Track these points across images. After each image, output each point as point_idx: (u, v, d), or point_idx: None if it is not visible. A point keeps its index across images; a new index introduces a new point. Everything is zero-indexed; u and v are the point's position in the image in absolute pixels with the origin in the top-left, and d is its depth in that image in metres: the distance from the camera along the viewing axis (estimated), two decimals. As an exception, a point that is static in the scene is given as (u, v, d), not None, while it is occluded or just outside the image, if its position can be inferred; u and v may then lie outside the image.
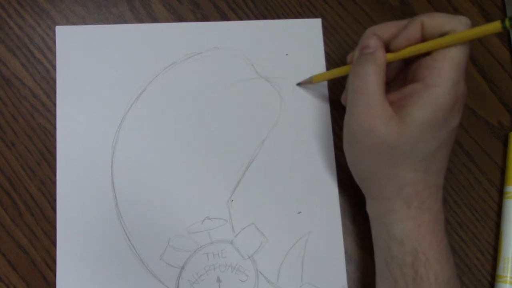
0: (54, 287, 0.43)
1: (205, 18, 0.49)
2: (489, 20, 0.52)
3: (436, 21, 0.38)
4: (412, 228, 0.38)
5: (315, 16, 0.50)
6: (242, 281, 0.44)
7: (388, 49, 0.40)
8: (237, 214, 0.45)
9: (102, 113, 0.46)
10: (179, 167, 0.45)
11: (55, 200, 0.44)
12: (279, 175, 0.46)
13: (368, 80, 0.38)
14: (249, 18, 0.49)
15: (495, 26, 0.36)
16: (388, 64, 0.40)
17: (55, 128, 0.45)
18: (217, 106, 0.47)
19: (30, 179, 0.45)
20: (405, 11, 0.51)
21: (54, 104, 0.46)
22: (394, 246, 0.39)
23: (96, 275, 0.43)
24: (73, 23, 0.47)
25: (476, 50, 0.51)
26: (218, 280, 0.44)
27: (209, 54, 0.48)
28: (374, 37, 0.40)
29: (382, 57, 0.39)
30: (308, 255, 0.45)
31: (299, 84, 0.48)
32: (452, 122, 0.39)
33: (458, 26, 0.37)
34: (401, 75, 0.42)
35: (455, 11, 0.52)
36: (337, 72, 0.44)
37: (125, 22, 0.48)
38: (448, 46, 0.37)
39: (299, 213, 0.46)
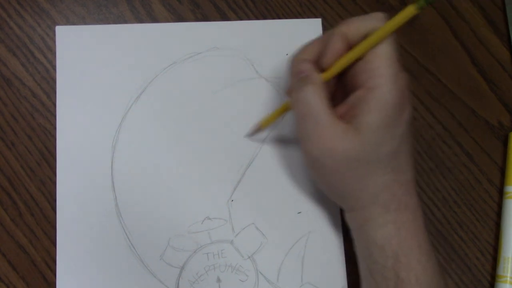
0: (54, 287, 0.43)
1: (205, 18, 0.49)
2: (489, 20, 0.52)
3: (353, 26, 0.38)
4: (392, 232, 0.38)
5: (315, 16, 0.50)
6: (242, 281, 0.44)
7: (321, 69, 0.39)
8: (237, 214, 0.45)
9: (102, 113, 0.46)
10: (179, 167, 0.45)
11: (55, 200, 0.44)
12: (279, 175, 0.46)
13: (311, 103, 0.38)
14: (249, 18, 0.49)
15: (409, 10, 0.35)
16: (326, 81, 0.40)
17: (55, 128, 0.45)
18: (217, 106, 0.47)
19: (30, 179, 0.45)
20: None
21: (54, 104, 0.46)
22: (375, 252, 0.39)
23: (96, 275, 0.43)
24: (73, 23, 0.47)
25: (476, 50, 0.51)
26: (218, 280, 0.44)
27: (209, 54, 0.48)
28: (304, 62, 0.39)
29: (317, 76, 0.39)
30: (308, 255, 0.45)
31: (249, 136, 0.46)
32: (405, 115, 0.38)
33: (375, 23, 0.37)
34: (340, 88, 0.42)
35: (455, 11, 0.52)
36: (282, 109, 0.44)
37: (125, 22, 0.48)
38: (374, 45, 0.37)
39: (299, 213, 0.46)
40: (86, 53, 0.46)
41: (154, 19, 0.48)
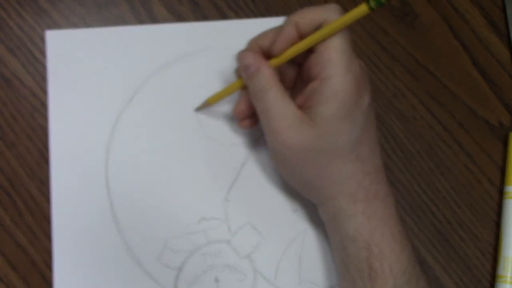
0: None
1: (205, 18, 0.49)
2: (489, 20, 0.52)
3: (307, 16, 0.38)
4: (362, 222, 0.38)
5: (315, 16, 0.50)
6: (240, 281, 0.44)
7: (271, 56, 0.40)
8: (233, 213, 0.45)
9: (95, 116, 0.45)
10: (173, 168, 0.45)
11: (55, 200, 0.44)
12: (274, 173, 0.46)
13: (266, 97, 0.38)
14: (249, 18, 0.49)
15: (361, 9, 0.36)
16: (285, 73, 0.40)
17: (55, 128, 0.45)
18: (211, 106, 0.47)
19: (30, 179, 0.45)
20: (405, 11, 0.51)
21: (54, 104, 0.46)
22: (348, 244, 0.39)
23: (94, 279, 0.43)
24: (73, 23, 0.47)
25: (476, 50, 0.51)
26: (216, 280, 0.44)
27: (202, 54, 0.48)
28: (248, 54, 0.40)
29: (267, 69, 0.39)
30: (305, 253, 0.45)
31: (197, 109, 0.46)
32: (363, 102, 0.38)
33: (329, 15, 0.37)
34: (299, 79, 0.42)
35: (455, 11, 0.52)
36: (231, 89, 0.44)
37: (125, 22, 0.48)
38: (326, 37, 0.37)
39: (295, 210, 0.46)
40: (77, 56, 0.46)
41: (154, 19, 0.48)
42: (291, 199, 0.46)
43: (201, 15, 0.49)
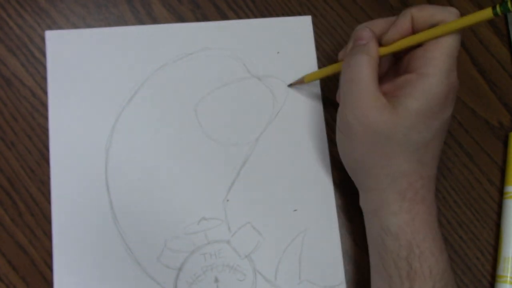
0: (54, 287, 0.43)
1: (205, 18, 0.49)
2: (490, 21, 0.52)
3: (425, 12, 0.38)
4: (406, 221, 0.38)
5: (316, 16, 0.50)
6: (240, 281, 0.44)
7: (380, 44, 0.40)
8: (233, 213, 0.45)
9: (94, 117, 0.45)
10: (173, 168, 0.45)
11: (55, 200, 0.44)
12: (273, 173, 0.46)
13: (361, 70, 0.38)
14: (249, 18, 0.49)
15: (486, 13, 0.36)
16: (380, 59, 0.40)
17: (55, 128, 0.45)
18: (210, 106, 0.47)
19: (30, 179, 0.45)
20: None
21: (54, 104, 0.46)
22: (389, 240, 0.39)
23: (93, 279, 0.43)
24: (73, 23, 0.47)
25: (476, 50, 0.51)
26: (216, 280, 0.44)
27: (200, 54, 0.48)
28: (366, 29, 0.40)
29: (374, 48, 0.39)
30: (305, 253, 0.45)
31: (290, 85, 0.48)
32: (446, 113, 0.39)
33: (447, 16, 0.38)
34: (393, 69, 0.42)
35: (455, 11, 0.52)
36: (329, 70, 0.44)
37: (125, 22, 0.48)
38: (439, 36, 0.37)
39: (295, 210, 0.46)
40: (77, 57, 0.46)
41: (154, 20, 0.48)
42: (291, 198, 0.46)
43: (201, 15, 0.49)
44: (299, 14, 0.50)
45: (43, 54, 0.46)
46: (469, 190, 0.49)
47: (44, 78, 0.46)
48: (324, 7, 0.50)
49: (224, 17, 0.49)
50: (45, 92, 0.46)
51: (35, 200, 0.44)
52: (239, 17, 0.49)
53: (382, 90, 0.39)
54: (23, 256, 0.43)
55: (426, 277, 0.38)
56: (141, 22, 0.48)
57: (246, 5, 0.50)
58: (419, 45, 0.39)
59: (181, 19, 0.49)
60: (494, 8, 0.35)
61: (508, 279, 0.45)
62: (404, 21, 0.39)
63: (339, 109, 0.40)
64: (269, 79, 0.48)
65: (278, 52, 0.48)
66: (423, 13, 0.38)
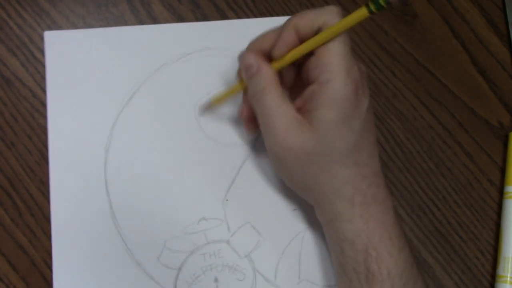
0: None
1: (205, 18, 0.49)
2: (489, 20, 0.52)
3: (306, 19, 0.38)
4: (360, 226, 0.38)
5: (315, 16, 0.50)
6: (240, 280, 0.44)
7: (271, 58, 0.40)
8: (232, 213, 0.45)
9: (93, 117, 0.45)
10: (172, 168, 0.45)
11: (55, 200, 0.44)
12: (273, 173, 0.46)
13: (265, 99, 0.38)
14: (249, 18, 0.49)
15: (361, 12, 0.35)
16: (281, 72, 0.40)
17: (55, 128, 0.45)
18: (213, 107, 0.47)
19: (30, 179, 0.45)
20: (405, 11, 0.51)
21: (54, 104, 0.46)
22: (346, 247, 0.39)
23: (93, 279, 0.43)
24: (73, 23, 0.47)
25: (476, 50, 0.51)
26: (216, 280, 0.44)
27: (202, 54, 0.48)
28: (250, 55, 0.40)
29: (268, 70, 0.39)
30: (305, 252, 0.45)
31: (201, 113, 0.46)
32: (362, 107, 0.38)
33: (328, 18, 0.37)
34: (299, 80, 0.42)
35: (455, 11, 0.52)
36: (233, 90, 0.44)
37: (125, 22, 0.48)
38: (326, 41, 0.37)
39: (294, 210, 0.46)
40: (76, 57, 0.46)
41: (154, 19, 0.48)
42: (290, 198, 0.46)
43: (201, 15, 0.49)
44: (299, 14, 0.50)
45: (43, 54, 0.46)
46: (469, 190, 0.49)
47: (44, 78, 0.46)
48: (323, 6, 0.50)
49: (224, 17, 0.49)
50: (45, 92, 0.46)
51: (35, 200, 0.44)
52: (239, 17, 0.49)
53: (295, 106, 0.39)
54: (23, 256, 0.43)
55: (384, 278, 0.37)
56: (141, 22, 0.48)
57: (246, 5, 0.50)
58: (312, 53, 0.38)
59: (181, 19, 0.49)
60: (367, 6, 0.35)
61: (508, 279, 0.45)
62: (288, 33, 0.38)
63: (265, 143, 0.40)
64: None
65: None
66: (304, 20, 0.38)
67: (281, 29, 0.39)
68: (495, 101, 0.50)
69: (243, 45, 0.48)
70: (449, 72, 0.50)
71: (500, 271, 0.46)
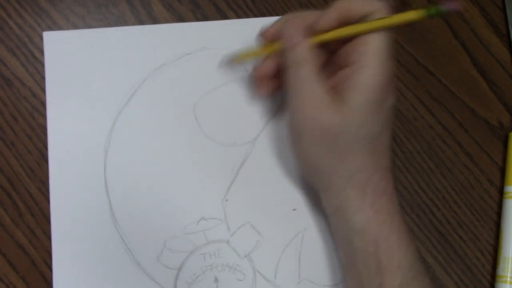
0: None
1: (205, 18, 0.49)
2: (489, 20, 0.52)
3: (355, 4, 0.39)
4: (370, 216, 0.38)
5: (315, 16, 0.50)
6: (240, 280, 0.44)
7: (311, 34, 0.40)
8: (232, 213, 0.45)
9: (93, 117, 0.45)
10: (172, 168, 0.45)
11: (55, 200, 0.44)
12: (272, 172, 0.46)
13: (301, 71, 0.39)
14: (249, 18, 0.49)
15: (418, 13, 0.36)
16: (319, 49, 0.40)
17: (55, 128, 0.45)
18: (209, 106, 0.47)
19: (30, 179, 0.45)
20: (405, 11, 0.51)
21: (54, 104, 0.46)
22: (355, 238, 0.38)
23: (93, 279, 0.43)
24: (73, 23, 0.47)
25: (476, 50, 0.51)
26: (216, 280, 0.44)
27: (202, 54, 0.48)
28: (294, 25, 0.40)
29: (308, 44, 0.39)
30: (304, 252, 0.45)
31: (221, 66, 0.47)
32: (388, 102, 0.39)
33: (377, 9, 0.38)
34: (331, 62, 0.42)
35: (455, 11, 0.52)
36: (257, 53, 0.44)
37: (125, 22, 0.48)
38: (372, 31, 0.38)
39: (294, 210, 0.46)
40: (75, 57, 0.46)
41: (154, 19, 0.48)
42: (290, 198, 0.46)
43: (201, 15, 0.49)
44: (299, 14, 0.50)
45: (43, 54, 0.46)
46: (469, 190, 0.49)
47: (44, 78, 0.46)
48: (324, 7, 0.50)
49: (224, 17, 0.49)
50: (45, 92, 0.46)
51: (35, 200, 0.44)
52: (239, 17, 0.49)
53: (326, 85, 0.39)
54: (23, 256, 0.43)
55: (395, 270, 0.37)
56: (141, 22, 0.48)
57: (246, 5, 0.50)
58: (351, 38, 0.39)
59: (181, 19, 0.49)
60: (427, 8, 0.35)
61: (508, 279, 0.45)
62: (334, 12, 0.39)
63: (288, 115, 0.41)
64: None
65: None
66: (353, 5, 0.39)
67: (321, 12, 0.40)
68: (495, 101, 0.50)
69: (243, 45, 0.48)
70: (449, 72, 0.50)
71: (500, 271, 0.46)
